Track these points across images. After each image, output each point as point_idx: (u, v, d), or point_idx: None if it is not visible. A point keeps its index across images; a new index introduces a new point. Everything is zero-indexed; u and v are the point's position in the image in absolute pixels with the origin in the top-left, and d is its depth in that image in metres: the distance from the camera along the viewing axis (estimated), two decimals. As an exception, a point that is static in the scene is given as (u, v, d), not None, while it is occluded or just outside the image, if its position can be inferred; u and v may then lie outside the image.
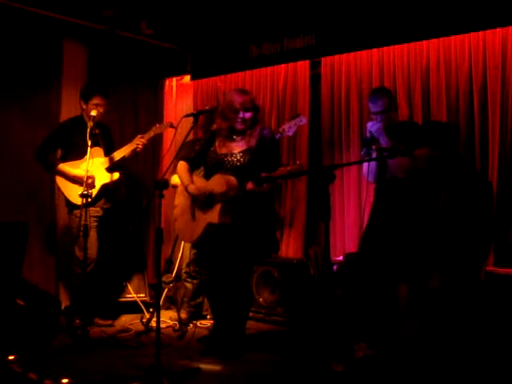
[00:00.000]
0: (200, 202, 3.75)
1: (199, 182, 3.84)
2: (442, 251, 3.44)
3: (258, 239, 3.74)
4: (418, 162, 3.58)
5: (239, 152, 3.75)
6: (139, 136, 4.57)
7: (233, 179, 3.64)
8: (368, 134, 4.04)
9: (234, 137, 3.80)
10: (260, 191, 3.63)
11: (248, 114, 3.75)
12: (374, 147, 3.96)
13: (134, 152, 4.56)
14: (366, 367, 3.40)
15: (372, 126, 4.01)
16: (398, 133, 3.99)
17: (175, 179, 4.47)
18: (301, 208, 5.30)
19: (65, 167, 4.48)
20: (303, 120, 3.78)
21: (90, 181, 4.28)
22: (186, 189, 3.81)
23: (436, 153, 3.46)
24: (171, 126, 4.68)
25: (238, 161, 3.72)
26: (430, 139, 3.49)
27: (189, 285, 4.77)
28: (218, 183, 3.68)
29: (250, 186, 3.59)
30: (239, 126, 3.76)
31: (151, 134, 4.59)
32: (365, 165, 4.19)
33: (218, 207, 3.64)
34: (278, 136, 3.84)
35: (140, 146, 4.53)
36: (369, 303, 3.85)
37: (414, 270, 3.54)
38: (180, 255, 4.87)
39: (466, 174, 3.60)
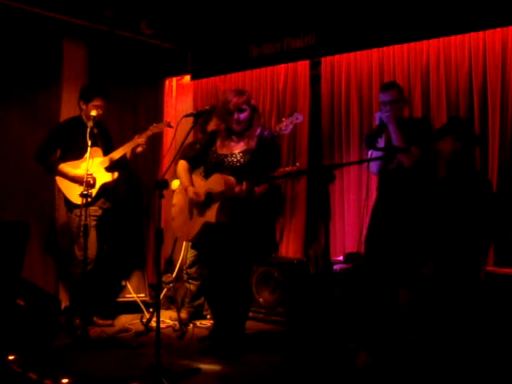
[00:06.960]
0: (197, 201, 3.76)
1: (198, 182, 3.84)
2: (442, 246, 3.44)
3: (255, 239, 3.73)
4: (443, 155, 3.62)
5: (239, 152, 3.75)
6: (137, 136, 4.58)
7: (231, 179, 3.64)
8: (378, 122, 3.97)
9: (234, 137, 3.80)
10: (251, 194, 3.60)
11: (243, 115, 3.74)
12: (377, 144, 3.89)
13: (134, 152, 4.58)
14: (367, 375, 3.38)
15: (382, 114, 3.95)
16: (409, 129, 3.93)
17: (176, 184, 4.46)
18: (301, 208, 5.30)
19: (65, 168, 4.48)
20: (299, 117, 3.72)
21: (90, 181, 4.29)
22: (185, 190, 3.81)
23: (458, 147, 3.59)
24: (169, 125, 4.70)
25: (238, 161, 3.72)
26: (456, 133, 3.61)
27: (190, 286, 4.76)
28: (216, 183, 3.68)
29: (238, 188, 3.58)
30: (236, 127, 3.76)
31: (149, 133, 4.61)
32: (369, 155, 4.11)
33: (215, 206, 3.64)
34: (275, 135, 3.81)
35: (140, 148, 4.55)
36: (371, 307, 3.83)
37: (414, 272, 3.54)
38: (182, 256, 4.86)
39: (467, 170, 3.61)
